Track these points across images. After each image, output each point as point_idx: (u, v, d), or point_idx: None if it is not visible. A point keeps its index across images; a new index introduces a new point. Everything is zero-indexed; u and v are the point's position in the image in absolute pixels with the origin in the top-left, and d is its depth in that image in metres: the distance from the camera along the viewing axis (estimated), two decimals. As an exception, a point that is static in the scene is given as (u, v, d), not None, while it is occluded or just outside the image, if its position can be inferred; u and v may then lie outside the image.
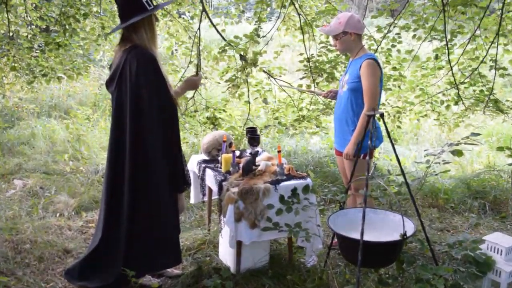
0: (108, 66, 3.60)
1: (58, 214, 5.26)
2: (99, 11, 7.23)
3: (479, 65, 6.20)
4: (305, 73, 6.37)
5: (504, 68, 6.21)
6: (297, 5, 6.53)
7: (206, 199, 4.64)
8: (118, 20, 7.01)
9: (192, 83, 3.71)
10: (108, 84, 3.44)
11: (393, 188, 3.82)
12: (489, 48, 6.08)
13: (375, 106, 3.87)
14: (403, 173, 3.43)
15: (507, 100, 6.66)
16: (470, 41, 6.21)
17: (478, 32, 6.06)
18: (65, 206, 5.40)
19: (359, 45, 4.11)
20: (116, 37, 7.68)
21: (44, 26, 7.22)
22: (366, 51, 4.11)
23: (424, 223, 4.96)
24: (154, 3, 3.39)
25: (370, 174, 3.13)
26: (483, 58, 6.12)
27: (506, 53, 6.41)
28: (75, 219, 5.18)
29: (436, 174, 4.03)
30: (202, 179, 4.36)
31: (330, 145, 7.96)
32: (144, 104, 3.23)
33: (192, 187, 4.67)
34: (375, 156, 6.95)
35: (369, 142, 3.18)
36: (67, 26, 6.58)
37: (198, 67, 3.93)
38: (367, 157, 3.22)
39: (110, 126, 3.45)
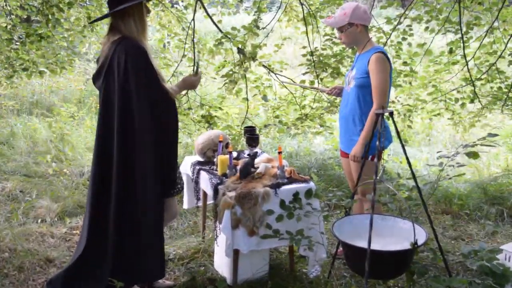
0: (95, 60, 3.60)
1: (39, 220, 5.26)
2: (84, 0, 7.23)
3: (497, 60, 6.22)
4: (308, 68, 6.38)
5: (525, 63, 6.23)
6: (300, -6, 6.54)
7: (200, 204, 4.64)
8: (104, 10, 7.06)
9: (191, 83, 3.68)
10: (95, 78, 3.45)
11: (403, 193, 3.82)
12: (508, 41, 6.09)
13: (385, 103, 3.88)
14: (414, 176, 3.43)
15: (527, 98, 6.67)
16: (487, 34, 6.23)
17: (496, 24, 6.08)
18: (47, 211, 5.40)
19: (366, 37, 4.12)
20: (104, 28, 7.67)
21: (25, 16, 7.22)
22: (374, 44, 4.11)
23: (436, 231, 4.95)
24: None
25: (378, 178, 3.14)
26: (502, 53, 6.14)
27: (526, 47, 6.43)
28: (58, 225, 5.18)
29: (450, 178, 4.04)
30: (196, 182, 4.36)
31: (335, 146, 7.97)
32: (133, 100, 3.24)
33: (185, 191, 4.68)
34: (384, 158, 6.95)
35: (377, 142, 3.18)
36: (50, 16, 6.57)
37: (197, 66, 3.90)
38: (375, 159, 3.23)
39: (96, 124, 3.45)
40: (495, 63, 6.24)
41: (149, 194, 3.36)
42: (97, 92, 3.49)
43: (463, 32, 5.89)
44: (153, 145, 3.31)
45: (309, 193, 3.74)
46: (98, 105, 3.47)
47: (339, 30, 4.15)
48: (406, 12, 6.08)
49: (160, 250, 3.52)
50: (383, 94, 3.90)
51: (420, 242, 3.00)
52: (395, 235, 3.31)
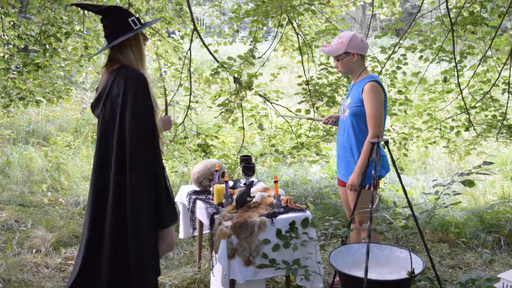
0: (92, 89, 3.61)
1: (34, 250, 5.23)
2: (82, 30, 7.28)
3: (491, 88, 6.25)
4: (304, 96, 6.42)
5: (518, 92, 6.26)
6: (295, 24, 6.60)
7: (196, 233, 4.62)
8: (102, 39, 7.12)
9: (168, 123, 3.68)
10: (94, 106, 3.45)
11: (399, 221, 3.81)
12: (501, 70, 6.14)
13: (380, 132, 3.89)
14: (410, 205, 3.43)
15: (521, 126, 6.69)
16: (481, 63, 6.28)
17: (489, 53, 6.13)
18: (42, 241, 5.36)
19: (362, 66, 4.15)
20: (100, 57, 7.73)
21: (23, 46, 7.26)
22: (368, 73, 4.14)
23: (433, 259, 4.94)
24: (142, 21, 3.43)
25: (374, 207, 3.13)
26: (495, 81, 6.18)
27: (519, 75, 6.47)
28: (53, 255, 5.14)
29: (446, 206, 4.03)
30: (192, 211, 4.35)
31: (331, 175, 7.97)
32: (131, 128, 3.22)
33: (181, 221, 4.66)
34: (380, 187, 6.95)
35: (373, 172, 3.19)
36: (47, 46, 6.62)
37: (166, 105, 3.88)
38: (372, 188, 3.24)
39: (94, 152, 3.44)
40: (489, 91, 6.28)
41: (144, 225, 3.32)
42: (94, 121, 3.49)
43: (457, 61, 5.93)
44: (149, 172, 3.29)
45: (305, 222, 3.72)
46: (97, 132, 3.46)
47: (335, 58, 4.18)
48: (401, 42, 6.13)
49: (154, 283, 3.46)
50: (377, 123, 3.91)
51: (417, 271, 2.99)
52: (392, 264, 3.29)
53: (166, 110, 3.77)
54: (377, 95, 3.94)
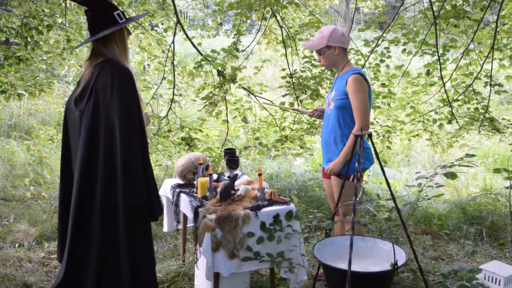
0: (75, 82, 3.57)
1: (17, 245, 5.19)
2: (64, 22, 7.22)
3: (473, 81, 6.30)
4: (288, 89, 6.42)
5: (500, 85, 6.30)
6: (278, 18, 6.60)
7: (180, 227, 4.61)
8: (84, 32, 7.06)
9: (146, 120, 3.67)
10: (78, 101, 3.40)
11: (383, 213, 3.83)
12: (483, 63, 6.18)
13: (367, 123, 3.90)
14: (393, 197, 3.45)
15: (503, 119, 6.74)
16: (463, 56, 6.32)
17: (471, 46, 6.17)
18: (25, 235, 5.33)
19: (345, 59, 4.15)
20: (83, 50, 7.67)
21: (4, 38, 7.18)
22: (352, 66, 4.15)
23: (416, 251, 4.98)
24: (127, 16, 3.40)
25: (358, 199, 3.15)
26: (478, 74, 6.22)
27: (501, 68, 6.52)
28: (36, 250, 5.11)
29: (429, 199, 4.07)
30: (176, 205, 4.34)
31: (315, 168, 7.99)
32: (120, 121, 3.19)
33: (165, 214, 4.65)
34: (364, 179, 6.98)
35: (356, 164, 3.20)
36: (29, 39, 6.55)
37: None
38: (355, 180, 3.25)
39: (79, 149, 3.35)
40: (471, 84, 6.32)
41: (137, 218, 3.28)
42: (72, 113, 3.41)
43: (439, 54, 5.97)
44: (140, 166, 3.26)
45: (289, 215, 3.73)
46: (83, 126, 3.35)
47: (317, 52, 4.19)
48: (384, 35, 6.15)
49: (151, 277, 3.43)
50: (364, 114, 3.91)
51: (400, 263, 3.01)
52: (375, 256, 3.32)
53: None
54: (361, 87, 3.95)
